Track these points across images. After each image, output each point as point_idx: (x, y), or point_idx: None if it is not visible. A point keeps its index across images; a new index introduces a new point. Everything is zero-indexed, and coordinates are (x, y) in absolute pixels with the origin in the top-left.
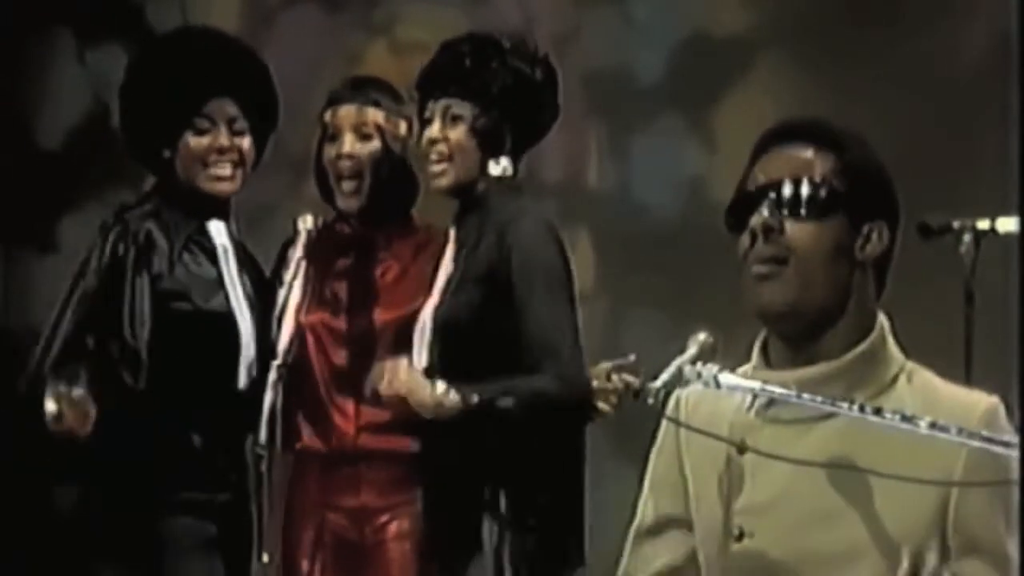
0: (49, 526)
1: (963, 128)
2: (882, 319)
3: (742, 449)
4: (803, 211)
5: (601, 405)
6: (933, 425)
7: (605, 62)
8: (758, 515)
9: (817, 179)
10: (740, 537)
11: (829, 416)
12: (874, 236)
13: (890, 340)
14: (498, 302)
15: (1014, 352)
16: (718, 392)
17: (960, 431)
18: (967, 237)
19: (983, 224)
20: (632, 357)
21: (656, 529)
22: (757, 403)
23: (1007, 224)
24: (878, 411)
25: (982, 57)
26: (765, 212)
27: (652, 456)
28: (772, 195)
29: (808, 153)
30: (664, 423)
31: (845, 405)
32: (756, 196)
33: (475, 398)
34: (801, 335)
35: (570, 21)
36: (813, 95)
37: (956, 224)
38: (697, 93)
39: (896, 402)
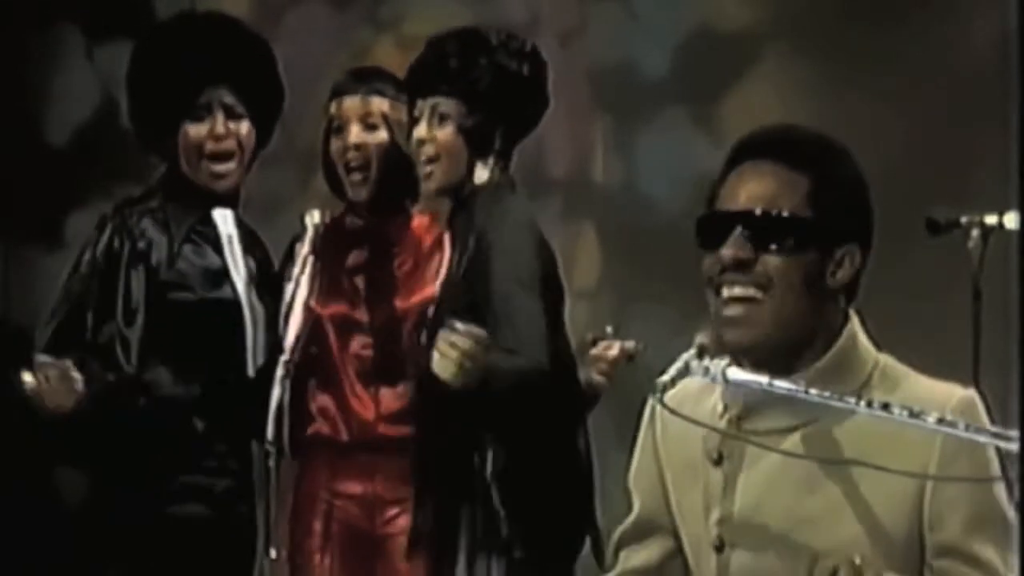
0: (52, 511)
1: (970, 123)
2: (852, 318)
3: (718, 460)
4: (775, 246)
5: (596, 377)
6: (940, 421)
7: (610, 57)
8: (737, 525)
9: (789, 211)
10: (721, 548)
11: (801, 426)
12: (846, 262)
13: (861, 338)
14: (478, 297)
15: (1015, 349)
16: (695, 400)
17: (968, 427)
18: (975, 232)
19: (991, 219)
20: (609, 329)
21: (637, 533)
22: (728, 415)
23: (1015, 220)
24: (886, 406)
25: (991, 50)
26: (735, 245)
27: (634, 460)
28: (743, 226)
29: (781, 175)
30: (642, 431)
31: (853, 400)
32: (727, 221)
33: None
34: (768, 364)
35: (575, 17)
36: (818, 90)
37: (964, 220)
38: (702, 88)
39: (870, 400)
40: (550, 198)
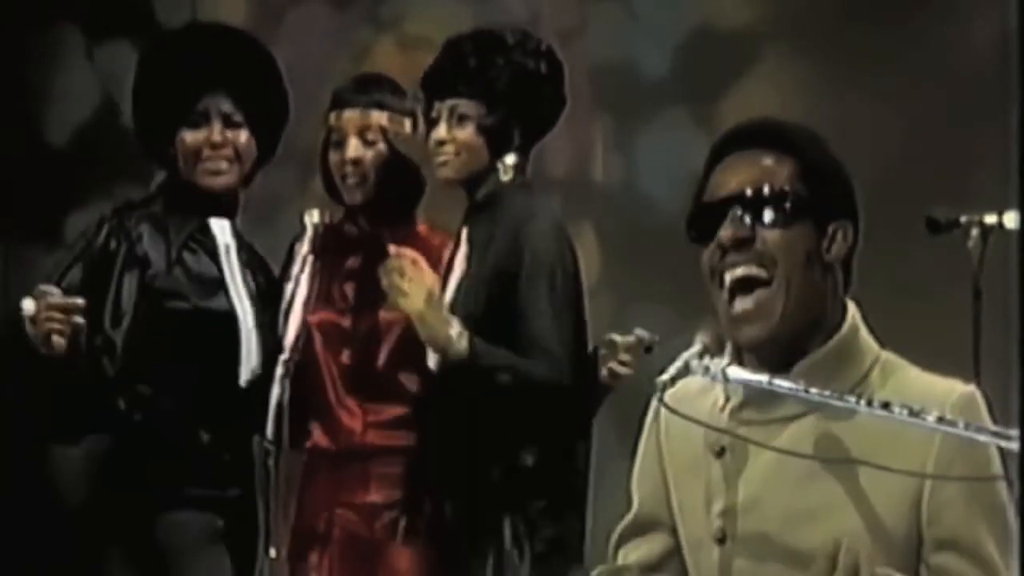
0: (57, 520)
1: (970, 123)
2: (853, 311)
3: (721, 452)
4: (771, 219)
5: (621, 370)
6: (941, 420)
7: (610, 57)
8: (738, 517)
9: (780, 186)
10: (723, 540)
11: (800, 415)
12: (839, 236)
13: (862, 331)
14: (504, 301)
15: (1015, 348)
16: (695, 397)
17: (968, 426)
18: (975, 232)
19: (991, 219)
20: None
21: (636, 529)
22: (730, 405)
23: (1015, 219)
24: (886, 405)
25: (991, 50)
26: (732, 226)
27: (637, 460)
28: (737, 206)
29: (766, 159)
30: (645, 431)
31: (853, 399)
32: (719, 208)
33: (479, 357)
34: (779, 354)
35: (575, 16)
36: (818, 90)
37: (964, 219)
38: (702, 87)
39: (870, 395)
40: (550, 197)
